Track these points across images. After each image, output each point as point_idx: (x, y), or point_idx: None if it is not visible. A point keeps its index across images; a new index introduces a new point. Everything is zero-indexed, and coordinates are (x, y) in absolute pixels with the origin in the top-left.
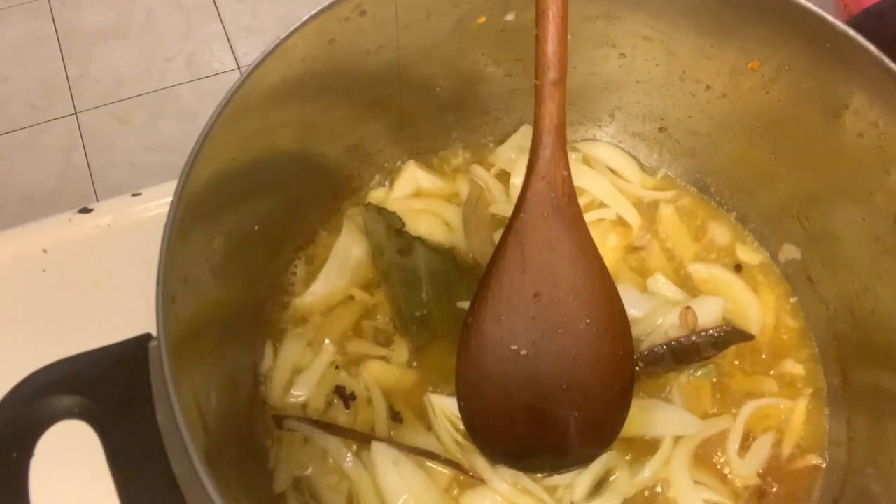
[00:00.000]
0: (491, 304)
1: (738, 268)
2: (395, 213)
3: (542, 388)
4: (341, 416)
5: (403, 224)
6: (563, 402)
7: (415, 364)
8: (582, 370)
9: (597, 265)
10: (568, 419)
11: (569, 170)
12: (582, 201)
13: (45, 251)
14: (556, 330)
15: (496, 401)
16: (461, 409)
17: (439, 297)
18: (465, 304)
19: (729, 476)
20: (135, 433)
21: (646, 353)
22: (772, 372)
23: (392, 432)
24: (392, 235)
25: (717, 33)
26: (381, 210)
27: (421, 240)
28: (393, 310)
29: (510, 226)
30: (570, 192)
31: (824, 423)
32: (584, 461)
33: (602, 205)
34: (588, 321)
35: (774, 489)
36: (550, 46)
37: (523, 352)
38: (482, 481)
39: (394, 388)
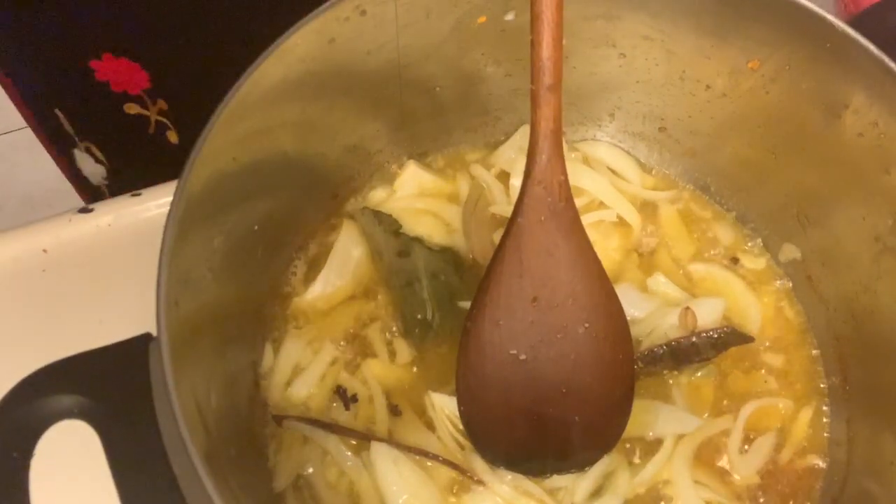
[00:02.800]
0: (489, 308)
1: (734, 260)
2: (390, 215)
3: (542, 392)
4: (342, 415)
5: (400, 226)
6: (563, 407)
7: (415, 363)
8: (582, 374)
9: (595, 269)
10: (568, 423)
11: (566, 174)
12: (582, 202)
13: (45, 251)
14: (555, 334)
15: (496, 405)
16: (461, 413)
17: (440, 298)
18: (466, 304)
19: (729, 476)
20: (135, 433)
21: (645, 353)
22: (772, 372)
23: (392, 431)
24: (390, 238)
25: (717, 33)
26: (377, 213)
27: (419, 241)
28: (395, 312)
29: (508, 231)
30: (568, 197)
31: (824, 422)
32: (585, 464)
33: (602, 205)
34: (587, 325)
35: (774, 489)
36: (545, 51)
37: (522, 356)
38: (482, 482)
39: (394, 387)
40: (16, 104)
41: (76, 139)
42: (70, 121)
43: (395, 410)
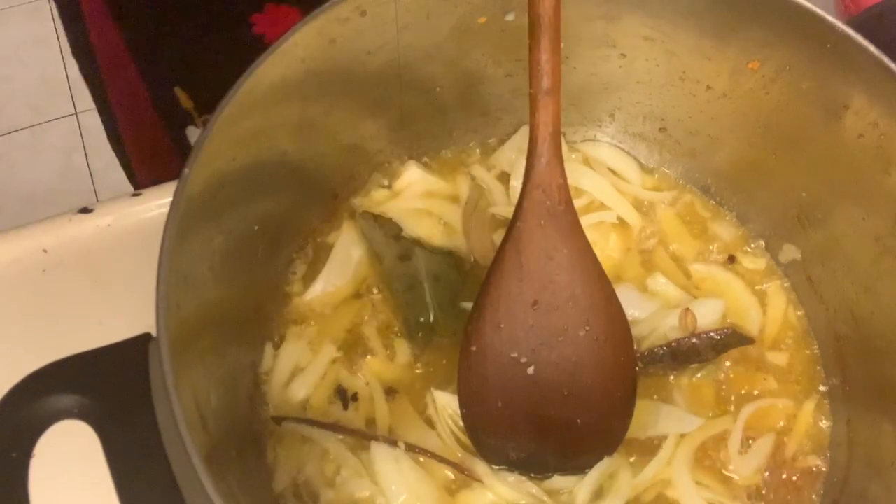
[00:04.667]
0: (490, 312)
1: (734, 260)
2: (391, 219)
3: (544, 395)
4: (341, 415)
5: (401, 230)
6: (565, 409)
7: (417, 363)
8: (583, 377)
9: (595, 272)
10: (571, 426)
11: (565, 177)
12: (582, 202)
13: (45, 251)
14: (555, 337)
15: (498, 408)
16: (463, 416)
17: (442, 300)
18: (468, 305)
19: (729, 477)
20: (135, 433)
21: (646, 353)
22: (772, 372)
23: (392, 430)
24: (391, 242)
25: (717, 34)
26: (377, 217)
27: (420, 244)
28: (397, 316)
29: (507, 234)
30: (567, 200)
31: (825, 423)
32: (586, 466)
33: (602, 206)
34: (588, 328)
35: (775, 489)
36: (543, 55)
37: (523, 359)
38: (482, 482)
39: (395, 386)
40: (135, 88)
41: (193, 115)
42: (192, 95)
43: (395, 410)
